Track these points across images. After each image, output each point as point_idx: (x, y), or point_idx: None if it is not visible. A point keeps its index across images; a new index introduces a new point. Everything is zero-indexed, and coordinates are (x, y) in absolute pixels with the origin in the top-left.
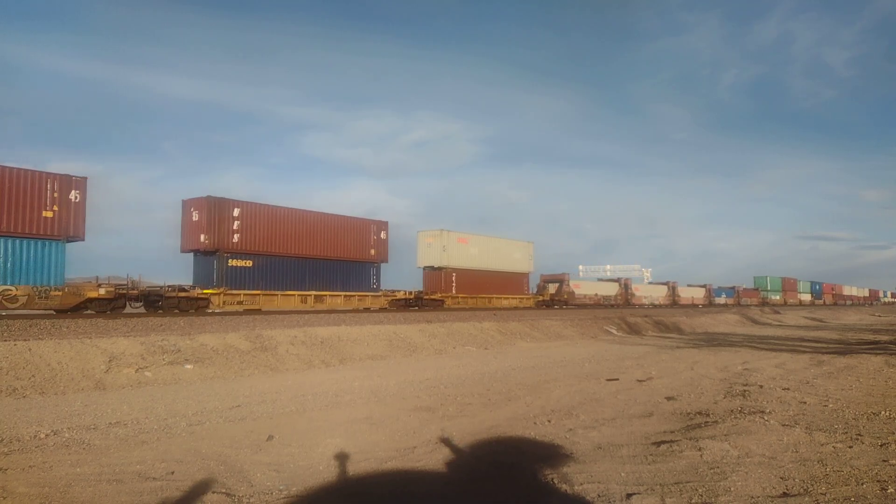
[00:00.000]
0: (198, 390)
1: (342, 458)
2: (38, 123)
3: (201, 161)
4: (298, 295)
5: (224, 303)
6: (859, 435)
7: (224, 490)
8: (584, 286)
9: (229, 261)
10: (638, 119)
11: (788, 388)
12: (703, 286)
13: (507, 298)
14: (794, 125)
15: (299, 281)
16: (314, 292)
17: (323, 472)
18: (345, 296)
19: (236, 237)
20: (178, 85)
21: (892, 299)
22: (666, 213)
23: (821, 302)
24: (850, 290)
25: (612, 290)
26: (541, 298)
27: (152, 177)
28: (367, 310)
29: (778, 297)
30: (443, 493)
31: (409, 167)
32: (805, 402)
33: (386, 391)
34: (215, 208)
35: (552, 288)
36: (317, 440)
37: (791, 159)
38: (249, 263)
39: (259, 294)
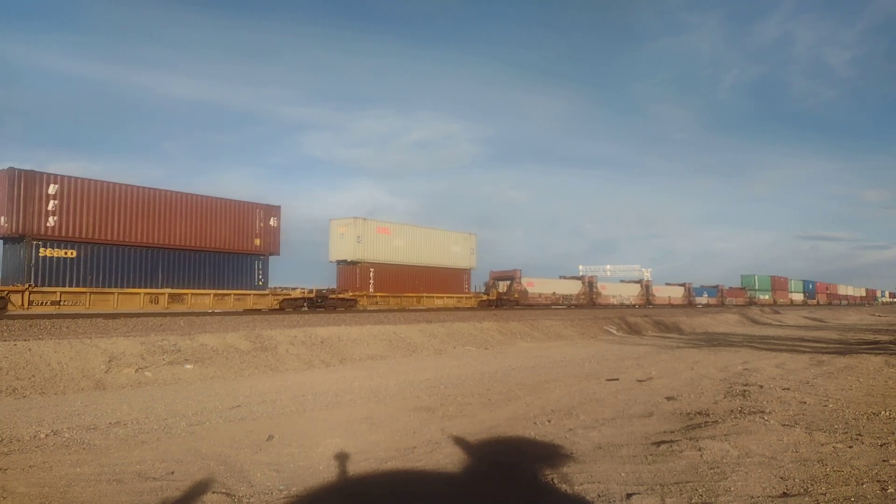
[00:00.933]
0: (198, 390)
1: (342, 458)
2: (38, 123)
3: (201, 161)
4: (146, 293)
5: (30, 303)
6: (859, 435)
7: (224, 490)
8: (540, 284)
9: (41, 249)
10: (638, 119)
11: (788, 388)
12: (682, 285)
13: (442, 298)
14: (794, 125)
15: (149, 276)
16: (169, 290)
17: (323, 472)
18: (215, 294)
19: (52, 220)
20: (178, 85)
21: (891, 299)
22: (666, 213)
23: (814, 302)
24: (845, 290)
25: (573, 288)
26: (485, 298)
27: (153, 177)
28: (258, 311)
29: (767, 297)
30: (443, 493)
31: (410, 167)
32: (805, 402)
33: (386, 391)
34: (20, 183)
35: (502, 286)
36: (317, 440)
37: (791, 159)
38: (72, 253)
39: (86, 292)
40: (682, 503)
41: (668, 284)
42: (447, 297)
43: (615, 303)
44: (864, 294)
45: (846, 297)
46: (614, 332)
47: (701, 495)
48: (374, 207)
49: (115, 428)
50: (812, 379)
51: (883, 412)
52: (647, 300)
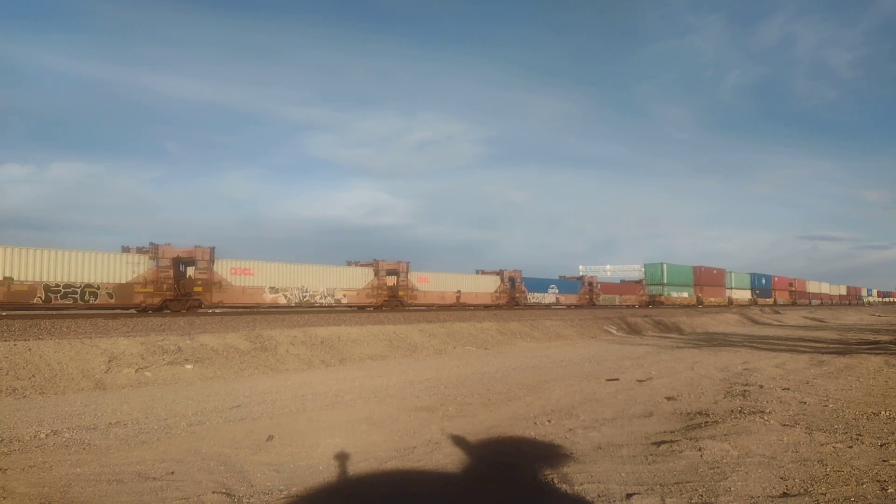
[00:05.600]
0: (198, 390)
1: (342, 458)
2: (40, 124)
3: (204, 162)
4: None
5: None
6: (859, 435)
7: (224, 490)
8: (66, 262)
9: None
10: (640, 119)
11: (788, 388)
12: (498, 273)
13: None
14: (795, 126)
15: None
16: None
17: (323, 472)
18: None
19: None
20: (180, 85)
21: (879, 298)
22: (667, 213)
23: (769, 301)
24: (818, 287)
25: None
26: None
27: (154, 177)
28: None
29: (686, 295)
30: (443, 493)
31: (412, 168)
32: (805, 402)
33: (386, 391)
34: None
35: None
36: (317, 440)
37: (792, 159)
38: None
39: None
40: (682, 503)
41: (481, 272)
42: None
43: (286, 304)
44: (844, 293)
45: (819, 295)
46: (614, 332)
47: (701, 495)
48: (375, 208)
49: (115, 428)
50: (812, 379)
51: (883, 412)
52: (393, 296)
